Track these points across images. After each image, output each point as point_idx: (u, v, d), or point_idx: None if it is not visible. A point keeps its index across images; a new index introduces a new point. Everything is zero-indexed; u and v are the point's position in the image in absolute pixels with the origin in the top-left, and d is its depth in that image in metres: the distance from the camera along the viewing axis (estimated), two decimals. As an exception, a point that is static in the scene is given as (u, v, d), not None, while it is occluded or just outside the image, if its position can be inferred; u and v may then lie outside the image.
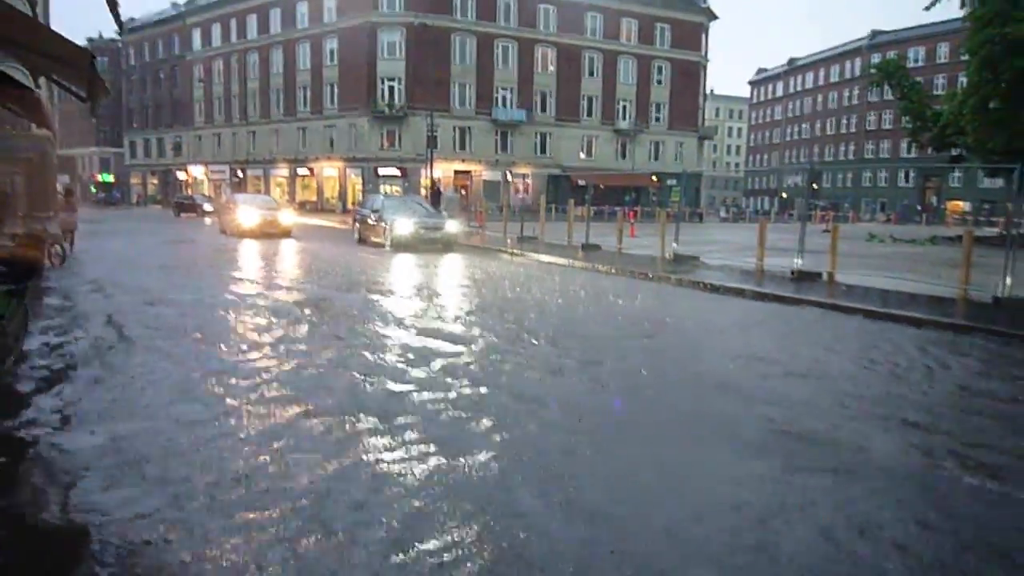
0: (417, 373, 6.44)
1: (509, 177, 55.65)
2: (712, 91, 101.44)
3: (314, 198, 60.12)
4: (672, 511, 3.78)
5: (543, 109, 58.90)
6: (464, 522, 3.53)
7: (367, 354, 7.15)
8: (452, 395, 5.76)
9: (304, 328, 8.68)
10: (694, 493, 4.10)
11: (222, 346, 7.51)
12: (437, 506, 3.70)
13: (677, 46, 62.95)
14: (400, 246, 20.30)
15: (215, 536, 3.33)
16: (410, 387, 5.96)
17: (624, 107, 61.92)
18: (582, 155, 59.98)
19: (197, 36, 69.56)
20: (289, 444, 4.57)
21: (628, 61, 61.52)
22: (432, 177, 43.03)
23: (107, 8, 7.91)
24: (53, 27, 9.52)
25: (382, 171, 54.39)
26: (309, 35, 58.32)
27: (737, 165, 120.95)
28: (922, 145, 37.31)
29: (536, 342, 8.04)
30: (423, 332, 8.41)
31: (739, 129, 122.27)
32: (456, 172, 54.93)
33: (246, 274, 14.73)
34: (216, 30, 67.27)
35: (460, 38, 55.23)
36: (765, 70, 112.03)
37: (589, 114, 60.84)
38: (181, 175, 73.12)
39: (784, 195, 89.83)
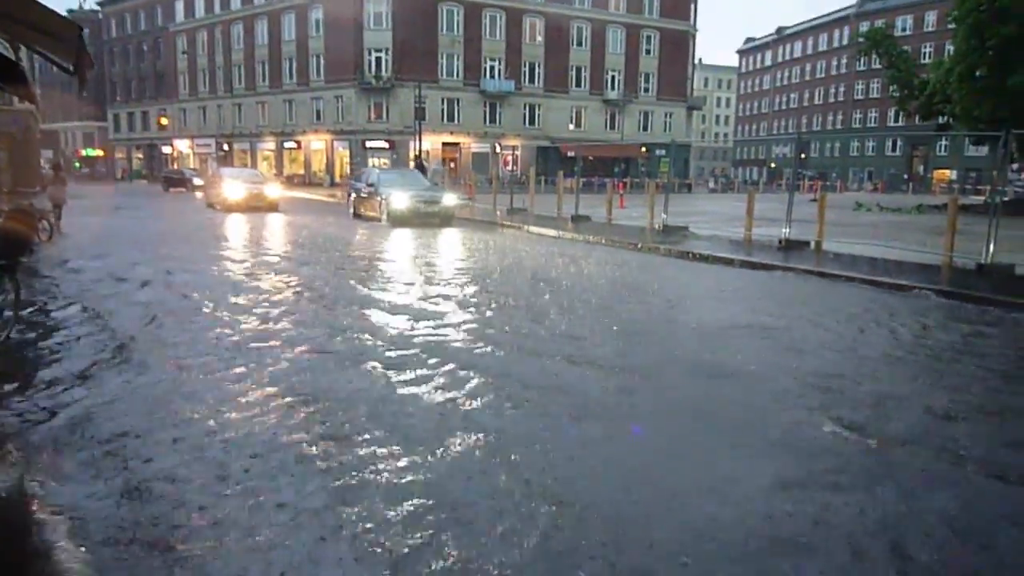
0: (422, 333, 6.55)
1: (498, 149, 55.43)
2: (701, 61, 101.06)
3: (302, 171, 59.74)
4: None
5: (531, 80, 58.53)
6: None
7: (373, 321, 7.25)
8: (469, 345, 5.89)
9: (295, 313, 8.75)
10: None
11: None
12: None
13: (666, 15, 62.50)
14: (397, 220, 19.98)
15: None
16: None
17: (613, 77, 61.59)
18: (571, 126, 59.76)
19: (180, 7, 68.43)
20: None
21: (616, 31, 61.06)
22: (420, 149, 42.82)
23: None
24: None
25: (370, 144, 54.05)
26: (294, 5, 57.50)
27: (726, 135, 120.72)
28: (909, 114, 37.39)
29: (555, 316, 8.15)
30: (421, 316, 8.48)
31: (727, 99, 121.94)
32: (445, 144, 54.66)
33: (243, 254, 14.72)
34: (199, 0, 66.18)
35: (448, 8, 54.62)
36: (753, 39, 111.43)
37: (578, 85, 60.51)
38: (166, 149, 72.39)
39: (773, 165, 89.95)
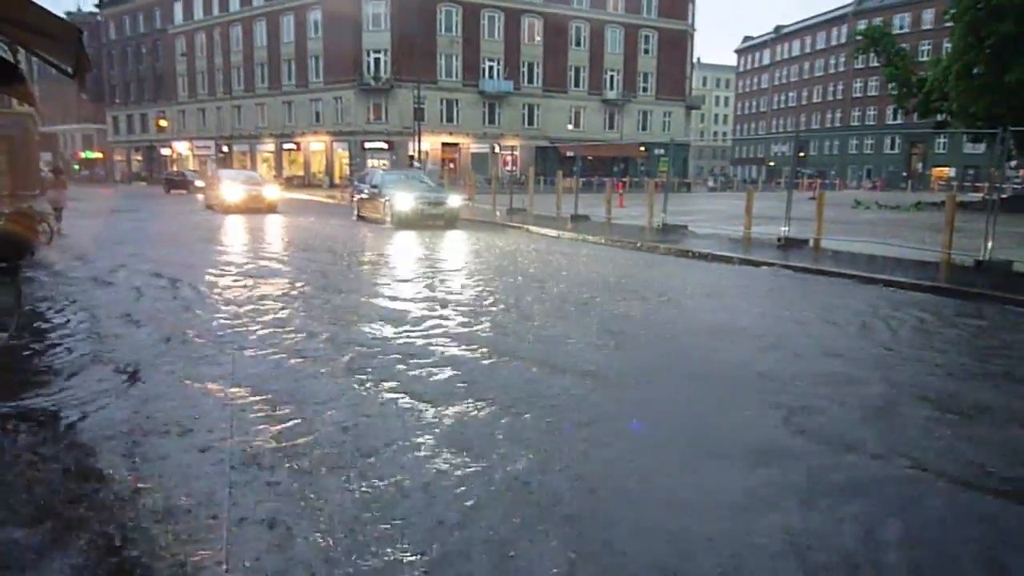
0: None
1: (497, 149, 55.45)
2: (699, 60, 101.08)
3: (301, 173, 59.74)
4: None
5: (530, 80, 58.56)
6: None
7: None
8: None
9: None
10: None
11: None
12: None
13: (664, 15, 62.53)
14: (401, 223, 19.54)
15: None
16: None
17: (611, 77, 61.61)
18: (570, 126, 59.75)
19: (178, 9, 68.42)
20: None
21: (615, 31, 61.09)
22: (419, 150, 42.85)
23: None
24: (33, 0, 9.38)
25: (369, 145, 54.06)
26: (293, 7, 57.52)
27: (725, 134, 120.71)
28: (907, 111, 37.48)
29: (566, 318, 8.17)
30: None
31: (726, 98, 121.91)
32: (444, 145, 54.69)
33: (249, 255, 14.74)
34: (198, 3, 66.14)
35: (446, 8, 54.64)
36: (751, 38, 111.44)
37: (576, 85, 60.53)
38: (165, 151, 72.38)
39: (771, 164, 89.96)
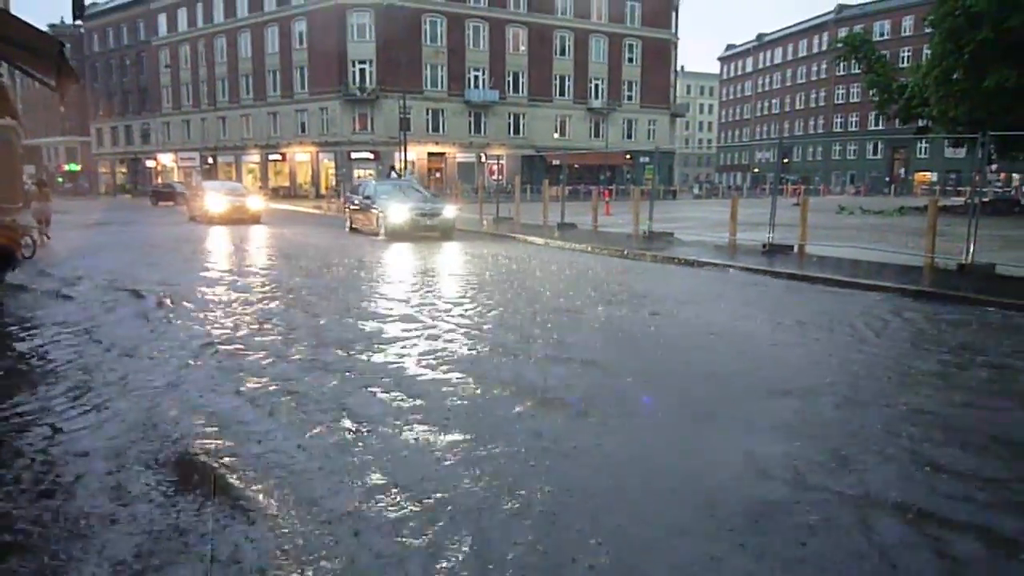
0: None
1: (483, 158, 55.55)
2: (683, 68, 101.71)
3: (287, 183, 59.63)
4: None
5: (516, 90, 58.75)
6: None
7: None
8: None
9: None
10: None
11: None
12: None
13: (647, 24, 63.03)
14: (394, 235, 18.97)
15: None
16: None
17: (596, 86, 61.93)
18: (556, 135, 60.00)
19: (162, 21, 68.27)
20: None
21: (599, 40, 61.46)
22: (405, 160, 42.84)
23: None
24: (14, 13, 9.34)
25: (355, 155, 54.02)
26: (277, 18, 57.54)
27: (709, 142, 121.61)
28: (889, 117, 37.83)
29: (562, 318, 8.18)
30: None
31: (710, 106, 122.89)
32: (430, 154, 54.75)
33: (246, 278, 14.66)
34: (182, 14, 66.03)
35: (431, 19, 54.80)
36: (734, 46, 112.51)
37: (562, 94, 60.81)
38: (150, 163, 72.01)
39: (756, 170, 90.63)
